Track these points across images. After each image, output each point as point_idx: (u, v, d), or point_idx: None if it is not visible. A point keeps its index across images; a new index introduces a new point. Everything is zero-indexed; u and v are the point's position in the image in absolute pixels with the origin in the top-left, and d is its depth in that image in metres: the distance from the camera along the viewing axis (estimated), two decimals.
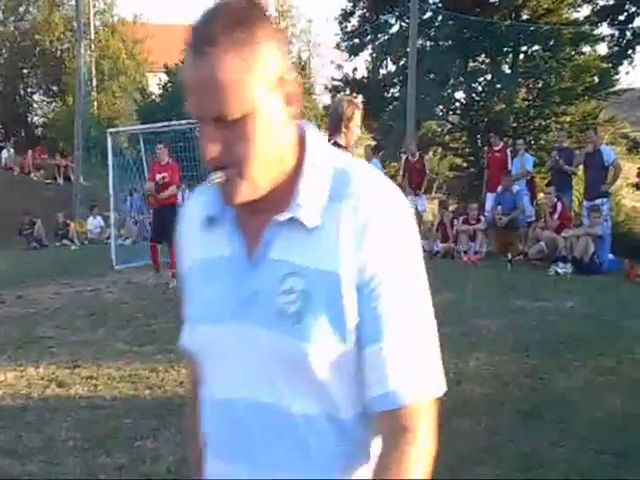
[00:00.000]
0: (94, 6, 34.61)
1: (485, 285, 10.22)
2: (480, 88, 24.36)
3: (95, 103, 31.88)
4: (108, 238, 17.60)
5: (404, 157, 15.95)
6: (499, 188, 13.37)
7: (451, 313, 8.48)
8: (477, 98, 24.57)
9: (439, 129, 26.68)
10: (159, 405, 5.71)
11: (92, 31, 33.48)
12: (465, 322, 8.03)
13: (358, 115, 4.88)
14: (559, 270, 11.01)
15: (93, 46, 33.30)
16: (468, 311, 8.55)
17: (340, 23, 24.79)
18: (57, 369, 6.82)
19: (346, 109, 4.81)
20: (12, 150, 25.88)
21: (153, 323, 8.74)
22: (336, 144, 4.74)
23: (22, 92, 38.18)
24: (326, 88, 25.91)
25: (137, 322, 8.86)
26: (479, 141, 23.39)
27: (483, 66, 24.36)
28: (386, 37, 24.00)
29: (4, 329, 8.75)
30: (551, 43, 22.40)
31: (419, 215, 15.31)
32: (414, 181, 15.02)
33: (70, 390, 6.19)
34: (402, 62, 23.10)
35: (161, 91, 30.90)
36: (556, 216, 12.03)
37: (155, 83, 32.26)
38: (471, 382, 5.94)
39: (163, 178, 11.32)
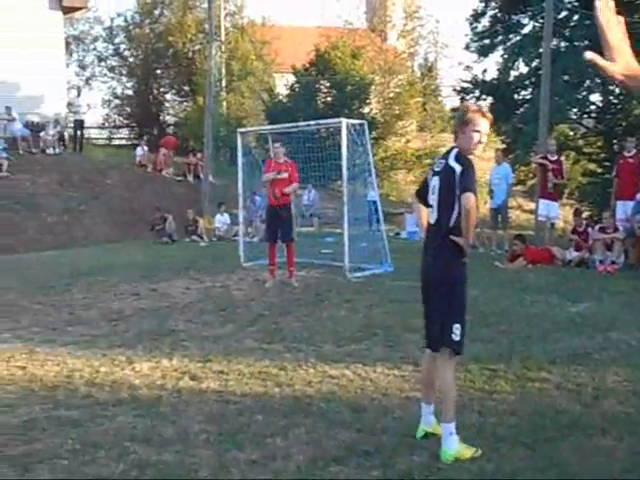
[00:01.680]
0: (225, 8, 35.40)
1: (623, 297, 9.79)
2: (618, 90, 23.42)
3: (224, 103, 32.61)
4: (235, 235, 17.97)
5: (538, 155, 15.41)
6: (638, 196, 12.74)
7: (587, 325, 8.18)
8: (615, 101, 23.62)
9: (571, 133, 25.86)
10: (288, 404, 5.73)
11: (222, 33, 34.27)
12: (602, 335, 7.69)
13: (479, 120, 4.66)
14: None
15: (223, 47, 34.08)
16: (605, 323, 8.20)
17: (471, 24, 24.42)
18: (189, 362, 7.00)
19: (464, 114, 4.73)
20: (146, 148, 26.81)
21: (280, 321, 8.84)
22: (458, 148, 4.71)
23: (155, 92, 39.47)
24: (454, 90, 25.55)
25: (265, 320, 8.98)
26: (615, 146, 22.48)
27: None
28: (518, 37, 23.45)
29: (139, 321, 9.08)
30: None
31: (551, 222, 14.87)
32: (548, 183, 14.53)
33: (202, 384, 6.32)
34: (534, 63, 22.50)
35: (288, 92, 31.31)
36: None
37: (282, 84, 32.71)
38: (610, 398, 5.67)
39: (279, 173, 11.32)
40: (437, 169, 4.76)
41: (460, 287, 4.72)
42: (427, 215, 4.95)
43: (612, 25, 2.07)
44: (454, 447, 4.61)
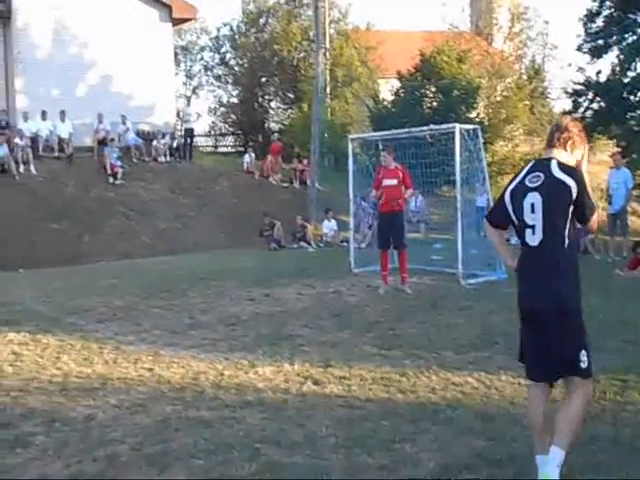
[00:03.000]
0: (329, 15, 35.59)
1: None
2: None
3: (329, 109, 32.78)
4: (342, 242, 18.09)
5: None
6: None
7: None
8: None
9: None
10: (414, 410, 5.74)
11: (327, 39, 34.46)
12: None
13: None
14: None
15: (328, 54, 34.27)
16: None
17: (585, 24, 23.78)
18: (310, 367, 7.09)
19: (581, 129, 4.46)
20: (253, 155, 27.27)
21: (397, 328, 8.85)
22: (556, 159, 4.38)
23: (260, 99, 40.11)
24: (566, 92, 24.91)
25: (381, 326, 9.01)
26: None
27: None
28: (634, 37, 22.68)
29: (256, 325, 9.24)
30: None
31: None
32: None
33: (325, 388, 6.40)
34: None
35: (393, 97, 31.21)
36: None
37: (387, 89, 32.63)
38: None
39: (388, 185, 11.33)
40: (533, 184, 4.30)
41: (580, 307, 4.34)
42: (502, 236, 4.70)
43: None
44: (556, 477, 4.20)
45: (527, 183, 4.33)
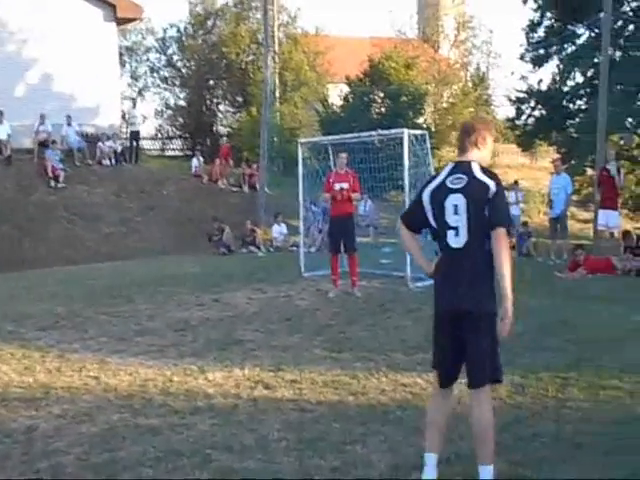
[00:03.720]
0: (278, 19, 35.55)
1: None
2: None
3: (278, 114, 32.77)
4: (292, 246, 18.09)
5: (600, 167, 15.54)
6: None
7: None
8: None
9: (621, 142, 25.49)
10: (364, 412, 5.83)
11: (276, 43, 34.45)
12: None
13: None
14: None
15: (277, 58, 34.26)
16: None
17: (527, 34, 24.32)
18: (261, 371, 7.12)
19: (485, 125, 4.53)
20: (201, 159, 27.08)
21: (347, 331, 8.94)
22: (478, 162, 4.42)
23: (208, 103, 39.80)
24: (509, 100, 25.39)
25: (331, 329, 9.08)
26: None
27: None
28: (573, 47, 23.33)
29: (206, 331, 9.20)
30: None
31: (610, 232, 14.78)
32: (608, 195, 14.54)
33: (276, 392, 6.44)
34: (589, 73, 22.31)
35: (342, 102, 31.38)
36: None
37: (336, 94, 32.78)
38: None
39: (342, 188, 11.43)
40: (455, 186, 4.27)
41: (496, 314, 4.23)
42: (416, 240, 4.57)
43: None
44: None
45: (449, 184, 4.31)
